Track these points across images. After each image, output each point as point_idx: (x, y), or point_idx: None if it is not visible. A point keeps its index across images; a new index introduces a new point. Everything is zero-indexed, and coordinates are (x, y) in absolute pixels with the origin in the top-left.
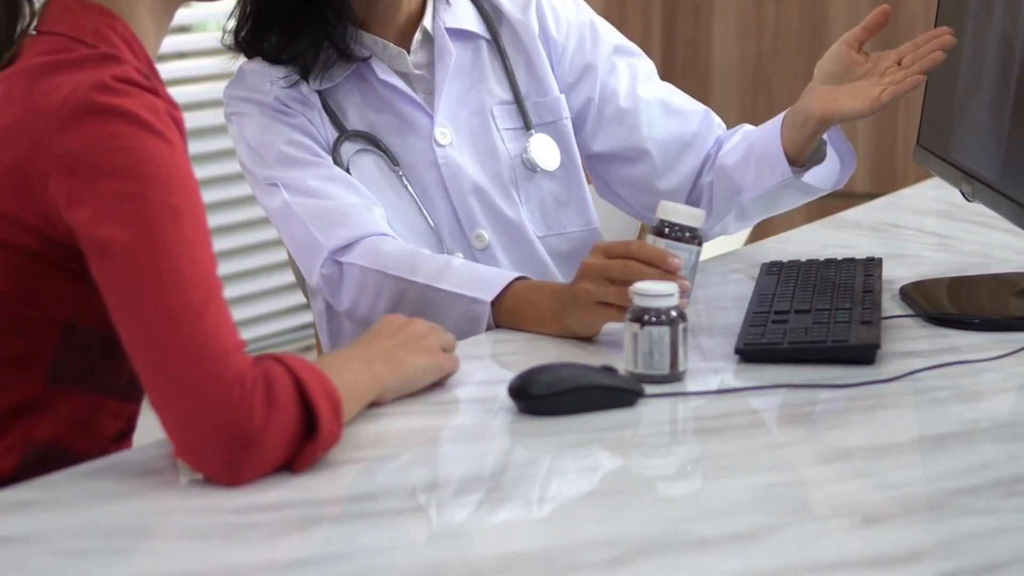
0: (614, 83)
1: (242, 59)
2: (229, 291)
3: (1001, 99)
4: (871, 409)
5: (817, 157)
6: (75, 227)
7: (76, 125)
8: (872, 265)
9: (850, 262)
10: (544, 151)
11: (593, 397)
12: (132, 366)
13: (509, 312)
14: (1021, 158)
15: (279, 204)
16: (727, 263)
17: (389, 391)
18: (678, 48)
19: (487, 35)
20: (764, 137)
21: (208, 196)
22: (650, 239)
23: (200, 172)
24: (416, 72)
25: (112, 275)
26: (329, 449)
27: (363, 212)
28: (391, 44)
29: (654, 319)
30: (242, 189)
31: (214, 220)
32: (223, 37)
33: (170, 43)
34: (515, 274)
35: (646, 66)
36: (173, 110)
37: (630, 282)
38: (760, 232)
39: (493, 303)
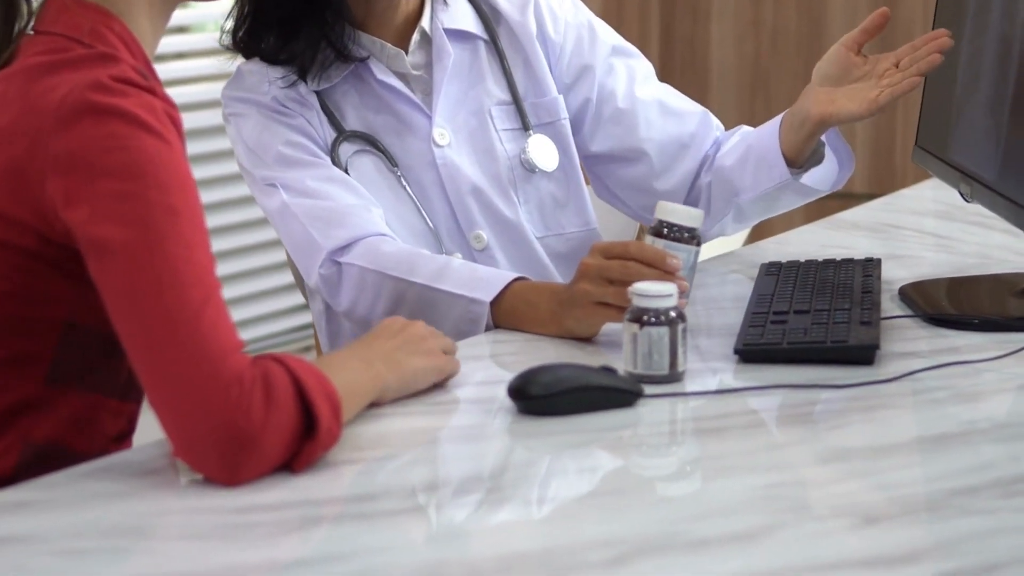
0: (612, 84)
1: (240, 60)
2: (228, 292)
3: (999, 100)
4: (870, 409)
5: (815, 158)
6: (73, 227)
7: (73, 125)
8: (871, 266)
9: (849, 263)
10: (542, 152)
11: (592, 397)
12: (131, 365)
13: (508, 312)
14: (1019, 158)
15: (277, 205)
16: (726, 264)
17: (389, 391)
18: (676, 48)
19: (485, 36)
20: (762, 138)
21: (207, 197)
22: (648, 239)
23: (199, 173)
24: (414, 73)
25: (110, 275)
26: (328, 449)
27: (362, 212)
28: (389, 45)
29: (653, 319)
30: (241, 190)
31: (213, 221)
32: (221, 37)
33: (169, 43)
34: (514, 275)
35: (644, 67)
36: (171, 109)
37: (629, 282)
38: (759, 233)
39: (492, 304)
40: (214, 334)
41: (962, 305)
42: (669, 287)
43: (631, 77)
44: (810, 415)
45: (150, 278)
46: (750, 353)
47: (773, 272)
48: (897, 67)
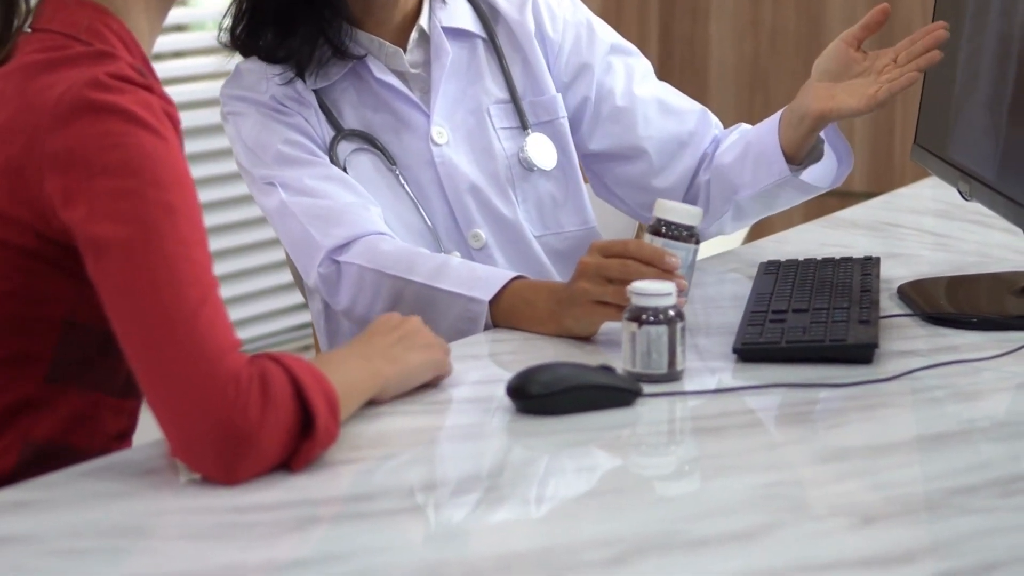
0: (610, 82)
1: (239, 58)
2: (227, 291)
3: (998, 98)
4: (869, 408)
5: (814, 155)
6: (71, 225)
7: (71, 122)
8: (870, 264)
9: (848, 261)
10: (541, 150)
11: (591, 396)
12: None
13: (507, 311)
14: (1018, 157)
15: (276, 203)
16: (724, 262)
17: (389, 387)
18: (675, 47)
19: (483, 34)
20: (761, 135)
21: (206, 195)
22: (647, 238)
23: (198, 171)
24: (412, 71)
25: (108, 273)
26: (327, 447)
27: (360, 211)
28: (387, 43)
29: (652, 318)
30: (240, 188)
31: (211, 219)
32: (219, 35)
33: (167, 42)
34: (513, 273)
35: (643, 65)
36: (168, 107)
37: (628, 281)
38: (757, 231)
39: (491, 302)
40: (211, 333)
41: (961, 304)
42: (668, 286)
43: (629, 75)
44: (809, 414)
45: (147, 276)
46: (749, 352)
47: (772, 271)
48: (896, 63)
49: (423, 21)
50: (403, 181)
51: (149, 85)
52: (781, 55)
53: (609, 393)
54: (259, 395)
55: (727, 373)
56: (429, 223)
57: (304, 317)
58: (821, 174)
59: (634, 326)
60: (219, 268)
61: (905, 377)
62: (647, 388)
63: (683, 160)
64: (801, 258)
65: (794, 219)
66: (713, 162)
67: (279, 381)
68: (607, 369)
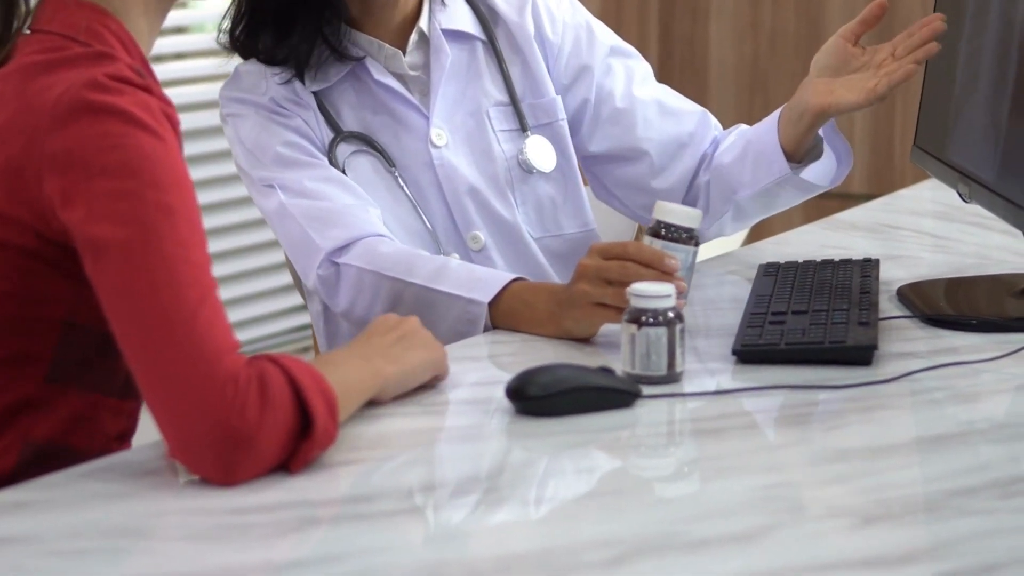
0: (610, 84)
1: (238, 60)
2: (226, 293)
3: (998, 100)
4: (868, 410)
5: (814, 154)
6: (70, 226)
7: (70, 123)
8: (869, 266)
9: (847, 263)
10: (540, 153)
11: (590, 398)
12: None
13: (506, 313)
14: (1018, 159)
15: (275, 205)
16: (724, 264)
17: (389, 386)
18: (675, 48)
19: (483, 36)
20: (761, 134)
21: (206, 197)
22: (646, 240)
23: (198, 173)
24: (412, 73)
25: (106, 274)
26: (325, 448)
27: (359, 213)
28: (387, 45)
29: (651, 320)
30: (239, 190)
31: (211, 222)
32: (218, 36)
33: (168, 44)
34: (512, 275)
35: (642, 68)
36: (167, 108)
37: (627, 283)
38: (757, 233)
39: (490, 304)
40: (210, 334)
41: (960, 306)
42: (667, 288)
43: (629, 77)
44: (808, 416)
45: (146, 277)
46: (748, 354)
47: (771, 273)
48: (894, 56)
49: (422, 23)
50: (402, 183)
51: (148, 86)
52: (781, 56)
53: (608, 395)
54: (257, 396)
55: (726, 375)
56: (428, 225)
57: (303, 319)
58: (821, 173)
59: (633, 328)
60: (218, 270)
61: (904, 379)
62: (646, 390)
63: (683, 161)
64: (800, 260)
65: (793, 221)
66: (712, 163)
67: (277, 382)
68: (606, 371)
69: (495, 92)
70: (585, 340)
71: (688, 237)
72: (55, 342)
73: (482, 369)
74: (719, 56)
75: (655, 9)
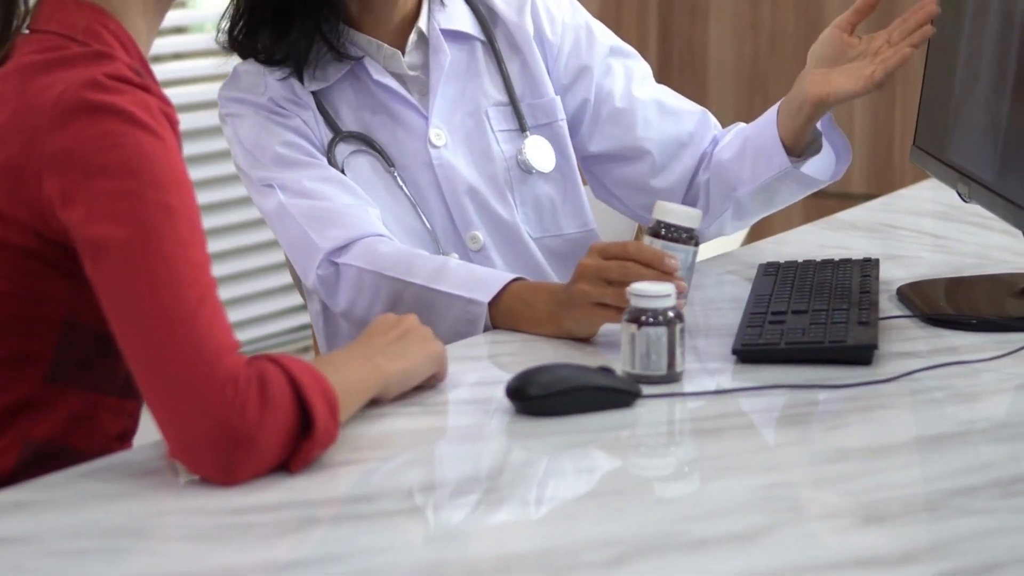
0: (610, 84)
1: (237, 60)
2: (226, 293)
3: (997, 100)
4: (868, 409)
5: (814, 148)
6: (69, 226)
7: (69, 123)
8: (869, 266)
9: (847, 263)
10: (539, 153)
11: (590, 398)
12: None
13: (506, 313)
14: (1017, 159)
15: (275, 205)
16: (724, 264)
17: (391, 384)
18: (674, 48)
19: (482, 37)
20: (760, 129)
21: (205, 197)
22: (647, 240)
23: (197, 173)
24: (411, 73)
25: (106, 274)
26: (326, 448)
27: (359, 213)
28: (386, 45)
29: (651, 320)
30: (239, 190)
31: (211, 222)
32: (217, 36)
33: (167, 44)
34: (512, 275)
35: (642, 68)
36: (166, 107)
37: (627, 283)
38: (757, 233)
39: (490, 304)
40: (210, 334)
41: (960, 305)
42: (667, 287)
43: (629, 77)
44: (808, 415)
45: (146, 277)
46: (748, 353)
47: (771, 272)
48: (890, 43)
49: (422, 23)
50: (401, 183)
51: (147, 86)
52: (780, 56)
53: (608, 394)
54: (258, 396)
55: (726, 374)
56: (427, 225)
57: (303, 319)
58: (821, 167)
59: (633, 327)
60: (218, 270)
61: (904, 378)
62: (646, 389)
63: (683, 160)
64: (800, 259)
65: (793, 221)
66: (712, 160)
67: (278, 382)
68: (606, 370)
69: (494, 92)
70: (585, 340)
71: (688, 237)
72: (55, 342)
73: (482, 369)
74: (719, 56)
75: (654, 9)
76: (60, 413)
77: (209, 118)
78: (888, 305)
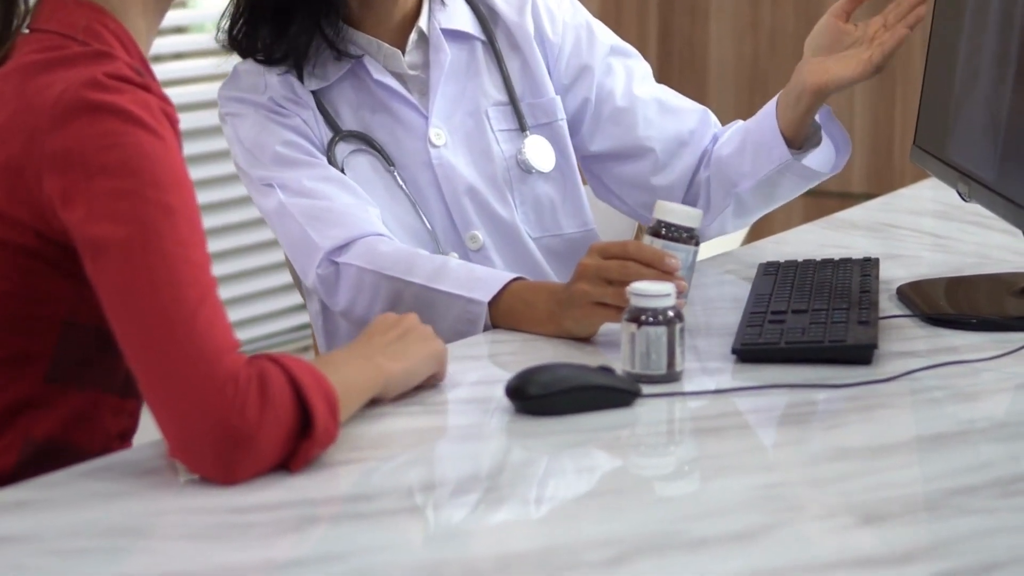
0: (611, 83)
1: (237, 59)
2: (226, 292)
3: (997, 99)
4: (868, 409)
5: (813, 141)
6: (70, 225)
7: (69, 122)
8: (869, 265)
9: (847, 262)
10: (539, 153)
11: (590, 397)
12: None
13: (506, 313)
14: (1017, 158)
15: (274, 205)
16: (723, 264)
17: (392, 384)
18: (675, 47)
19: (482, 36)
20: (759, 122)
21: (205, 197)
22: (647, 239)
23: (198, 173)
24: (411, 72)
25: (106, 273)
26: (326, 448)
27: (359, 212)
28: (386, 44)
29: (651, 319)
30: (239, 190)
31: (211, 221)
32: (217, 35)
33: (167, 44)
34: (512, 275)
35: (642, 67)
36: (166, 106)
37: (627, 283)
38: (757, 232)
39: (490, 304)
40: (210, 333)
41: (960, 305)
42: (667, 287)
43: (629, 76)
44: (808, 415)
45: (146, 276)
46: (748, 353)
47: (771, 272)
48: (886, 27)
49: (422, 22)
50: (401, 182)
51: (147, 85)
52: (780, 56)
53: (608, 394)
54: (258, 395)
55: (726, 374)
56: (427, 224)
57: (303, 318)
58: (821, 160)
59: (633, 327)
60: (218, 269)
61: (904, 378)
62: (646, 389)
63: (683, 158)
64: (800, 259)
65: (793, 220)
66: (712, 157)
67: (278, 381)
68: (606, 370)
69: (494, 92)
70: (585, 339)
71: (688, 237)
72: (55, 341)
73: (482, 368)
74: (719, 56)
75: (654, 9)
76: (60, 412)
77: (209, 118)
78: (888, 305)
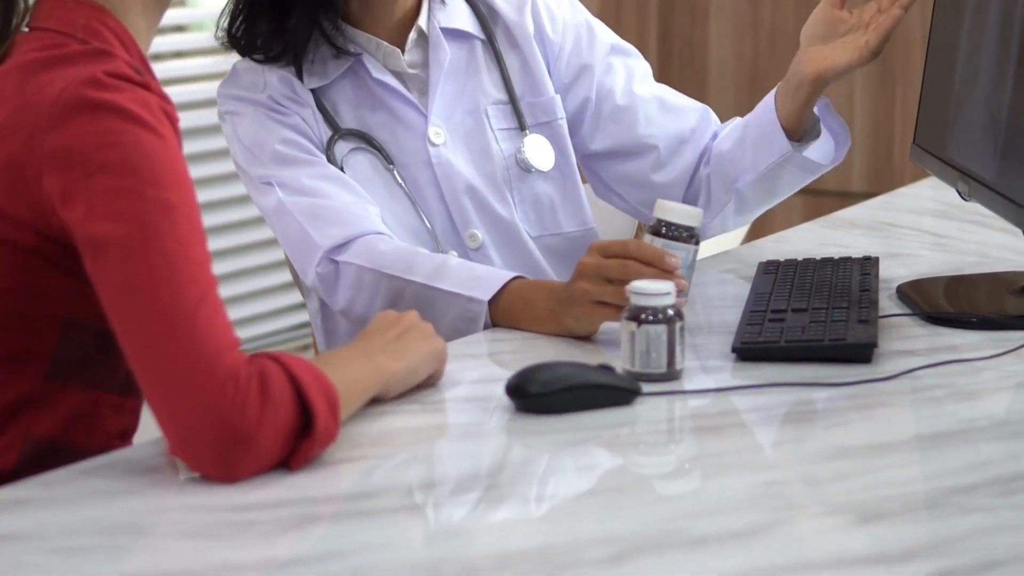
0: (611, 82)
1: (237, 58)
2: (226, 291)
3: (997, 98)
4: (868, 407)
5: (813, 133)
6: (69, 224)
7: (68, 121)
8: (869, 264)
9: (847, 261)
10: (538, 152)
11: (590, 395)
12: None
13: (506, 311)
14: (1017, 157)
15: (274, 203)
16: (724, 262)
17: (393, 382)
18: (675, 47)
19: (482, 35)
20: (758, 116)
21: (205, 195)
22: (647, 238)
23: (197, 171)
24: (410, 71)
25: (106, 272)
26: (326, 446)
27: (358, 211)
28: (385, 43)
29: (651, 318)
30: (239, 188)
31: (211, 220)
32: (216, 33)
33: (167, 42)
34: (512, 273)
35: (642, 66)
36: (166, 105)
37: (627, 281)
38: (757, 231)
39: (490, 302)
40: (210, 331)
41: (960, 303)
42: (667, 285)
43: (629, 75)
44: (808, 413)
45: (146, 275)
46: (748, 351)
47: (771, 271)
48: (880, 11)
49: (422, 21)
50: (400, 181)
51: (147, 83)
52: (780, 55)
53: (608, 392)
54: (258, 394)
55: (726, 372)
56: (426, 223)
57: (303, 317)
58: (821, 152)
59: (633, 325)
60: (218, 268)
61: (904, 376)
62: (646, 387)
63: (684, 156)
64: (800, 258)
65: (793, 219)
66: (712, 154)
67: (278, 380)
68: (606, 368)
69: (494, 91)
70: (585, 338)
71: (689, 235)
72: (56, 339)
73: (482, 367)
74: (719, 55)
75: (654, 9)
76: (61, 410)
77: (209, 116)
78: (888, 303)
